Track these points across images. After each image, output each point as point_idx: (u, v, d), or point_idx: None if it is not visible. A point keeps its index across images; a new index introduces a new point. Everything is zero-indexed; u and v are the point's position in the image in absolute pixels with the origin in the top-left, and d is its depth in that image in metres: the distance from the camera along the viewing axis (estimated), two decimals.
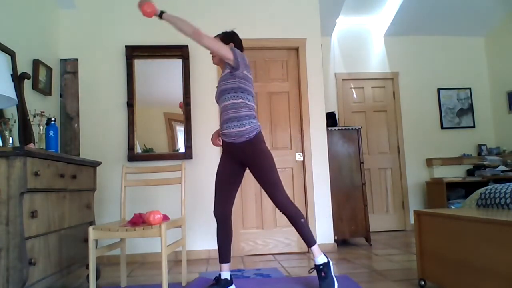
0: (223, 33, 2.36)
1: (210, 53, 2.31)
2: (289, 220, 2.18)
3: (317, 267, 2.16)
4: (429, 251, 2.12)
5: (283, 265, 3.03)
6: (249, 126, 2.16)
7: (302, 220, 2.17)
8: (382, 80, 5.09)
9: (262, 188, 2.21)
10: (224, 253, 2.23)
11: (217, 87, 2.30)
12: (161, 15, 2.12)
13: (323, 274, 2.13)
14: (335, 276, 2.39)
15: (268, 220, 3.60)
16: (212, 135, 2.44)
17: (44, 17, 3.26)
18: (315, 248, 2.18)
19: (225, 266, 2.23)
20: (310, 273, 2.26)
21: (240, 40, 2.38)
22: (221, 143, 2.34)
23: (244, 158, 2.20)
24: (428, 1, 4.59)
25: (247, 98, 2.20)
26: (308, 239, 2.18)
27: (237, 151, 2.20)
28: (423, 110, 5.08)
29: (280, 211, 2.17)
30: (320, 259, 2.16)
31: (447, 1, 4.63)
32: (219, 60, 2.29)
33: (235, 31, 2.40)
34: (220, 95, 2.22)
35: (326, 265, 2.16)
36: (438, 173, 4.94)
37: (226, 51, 2.12)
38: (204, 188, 3.52)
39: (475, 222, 1.75)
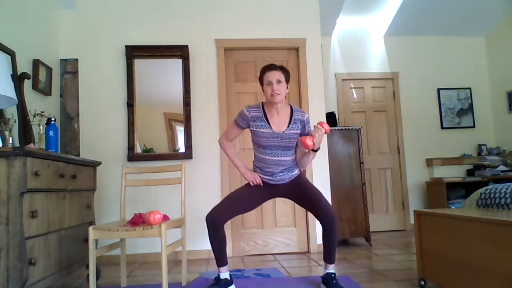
0: (284, 71, 2.24)
1: (275, 89, 2.16)
2: (332, 231, 2.20)
3: (329, 274, 2.23)
4: (429, 251, 2.12)
5: (283, 265, 3.03)
6: (297, 169, 2.35)
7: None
8: (382, 80, 5.09)
9: (312, 211, 2.26)
10: (220, 258, 2.21)
11: (273, 134, 2.22)
12: (315, 149, 2.18)
13: (334, 281, 2.19)
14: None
15: (268, 220, 3.60)
16: (247, 174, 2.33)
17: (44, 17, 3.26)
18: (333, 265, 2.29)
19: (224, 268, 2.23)
20: (325, 280, 2.26)
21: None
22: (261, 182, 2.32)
23: (291, 191, 2.32)
24: (428, 1, 4.59)
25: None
26: (334, 255, 2.27)
27: (283, 188, 2.32)
28: (423, 110, 5.08)
29: (331, 223, 2.18)
30: (333, 268, 2.28)
31: (447, 1, 4.63)
32: (283, 98, 2.21)
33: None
34: (285, 149, 2.25)
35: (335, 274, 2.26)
36: (438, 173, 4.94)
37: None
38: (204, 188, 3.51)
39: (475, 222, 1.75)
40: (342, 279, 2.44)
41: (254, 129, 2.25)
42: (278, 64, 2.27)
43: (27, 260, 1.75)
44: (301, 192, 2.29)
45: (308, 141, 2.09)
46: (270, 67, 2.22)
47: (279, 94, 2.16)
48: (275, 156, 2.24)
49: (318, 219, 2.23)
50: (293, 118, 2.25)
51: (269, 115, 2.25)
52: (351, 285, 2.31)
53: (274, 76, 2.18)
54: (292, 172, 2.31)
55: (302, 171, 2.40)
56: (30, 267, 1.77)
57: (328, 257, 2.25)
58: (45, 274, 1.93)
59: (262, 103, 2.30)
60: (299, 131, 2.26)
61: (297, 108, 2.32)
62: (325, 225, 2.19)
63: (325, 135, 3.04)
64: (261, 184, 2.31)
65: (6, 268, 1.68)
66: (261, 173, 2.31)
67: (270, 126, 2.23)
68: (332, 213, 2.17)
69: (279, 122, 2.24)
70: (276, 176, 2.27)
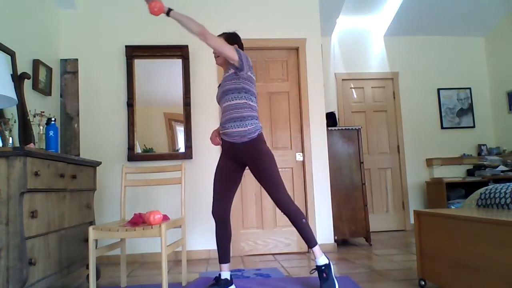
0: (225, 33, 2.36)
1: (214, 53, 2.31)
2: (290, 220, 2.18)
3: (318, 268, 2.16)
4: (429, 251, 2.12)
5: (283, 265, 3.03)
6: (252, 127, 2.17)
7: (304, 220, 2.17)
8: (382, 80, 5.09)
9: (263, 188, 2.21)
10: (223, 254, 2.23)
11: (219, 87, 2.30)
12: (168, 12, 2.11)
13: (324, 275, 2.13)
14: (336, 277, 2.40)
15: (268, 220, 3.60)
16: (212, 134, 2.40)
17: (44, 17, 3.26)
18: (316, 249, 2.18)
19: (225, 266, 2.23)
20: (311, 273, 2.26)
21: (242, 42, 2.40)
22: (221, 142, 2.33)
23: (245, 158, 2.21)
24: (428, 1, 4.59)
25: (250, 98, 2.22)
26: (310, 239, 2.18)
27: (238, 151, 2.21)
28: (423, 110, 5.08)
29: (282, 211, 2.17)
30: (322, 260, 2.16)
31: (447, 1, 4.63)
32: (222, 61, 2.29)
33: (237, 32, 2.41)
34: (223, 95, 2.23)
35: (327, 266, 2.16)
36: (438, 173, 4.94)
37: (231, 52, 2.14)
38: (204, 188, 3.51)
39: (475, 222, 1.75)
40: (342, 279, 2.44)
41: None
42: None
43: (27, 260, 1.75)
44: (256, 170, 2.19)
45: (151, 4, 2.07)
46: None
47: (217, 57, 2.29)
48: (221, 104, 2.25)
49: None
50: (228, 67, 2.26)
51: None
52: (351, 285, 2.31)
53: None
54: (242, 125, 2.15)
55: (257, 139, 2.19)
56: (30, 267, 1.77)
57: (307, 242, 2.19)
58: (45, 274, 1.93)
59: None
60: (232, 71, 2.20)
61: None
62: (281, 210, 2.18)
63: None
64: (220, 143, 2.31)
65: (6, 268, 1.68)
66: (220, 131, 2.29)
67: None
68: (281, 202, 2.13)
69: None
70: (227, 128, 2.19)
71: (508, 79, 4.93)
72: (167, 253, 2.10)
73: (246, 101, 2.19)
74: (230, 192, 2.26)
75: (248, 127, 2.16)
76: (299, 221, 2.15)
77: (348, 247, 3.76)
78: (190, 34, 3.69)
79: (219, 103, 2.30)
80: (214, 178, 2.28)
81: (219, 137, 2.36)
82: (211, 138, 2.38)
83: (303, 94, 3.69)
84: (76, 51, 3.54)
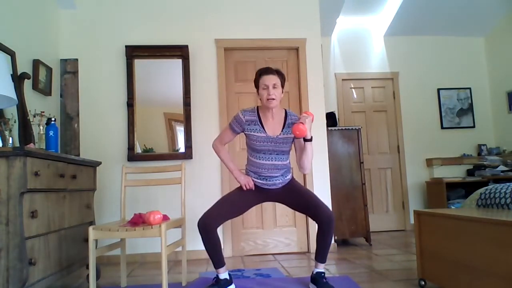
0: (280, 74, 2.24)
1: (271, 94, 2.17)
2: (330, 230, 2.18)
3: (319, 274, 2.24)
4: (429, 251, 2.12)
5: (283, 265, 3.03)
6: (290, 174, 2.38)
7: None
8: (382, 80, 5.09)
9: (308, 211, 2.24)
10: (216, 261, 2.19)
11: (267, 138, 2.23)
12: (307, 139, 2.16)
13: (324, 280, 2.20)
14: (334, 277, 2.46)
15: (268, 220, 3.60)
16: (244, 178, 2.30)
17: (44, 17, 3.26)
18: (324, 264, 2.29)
19: (222, 269, 2.21)
20: (314, 279, 2.27)
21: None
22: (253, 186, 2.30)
23: (281, 196, 2.33)
24: (428, 1, 4.59)
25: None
26: (327, 255, 2.26)
27: (275, 192, 2.32)
28: (423, 110, 5.08)
29: (330, 219, 2.15)
30: (323, 267, 2.28)
31: (447, 1, 4.63)
32: (278, 103, 2.21)
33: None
34: (279, 153, 2.25)
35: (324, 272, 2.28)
36: (438, 173, 4.94)
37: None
38: (204, 188, 3.51)
39: (475, 222, 1.75)
40: (342, 279, 2.44)
41: (249, 133, 2.25)
42: (274, 67, 2.26)
43: (27, 260, 1.75)
44: (295, 195, 2.29)
45: (301, 126, 2.05)
46: (267, 71, 2.21)
47: (274, 99, 2.16)
48: (269, 160, 2.24)
49: (315, 221, 2.20)
50: (287, 122, 2.26)
51: (263, 119, 2.25)
52: (351, 285, 2.31)
53: (271, 80, 2.18)
54: (286, 177, 2.32)
55: (293, 178, 2.40)
56: (30, 267, 1.77)
57: (321, 257, 2.24)
58: (45, 274, 1.93)
59: (257, 107, 2.30)
60: (292, 136, 2.24)
61: (291, 112, 2.32)
62: (323, 226, 2.18)
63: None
64: (253, 189, 2.30)
65: (6, 268, 1.68)
66: (254, 177, 2.30)
67: (265, 130, 2.23)
68: (331, 214, 2.17)
69: (273, 126, 2.25)
70: (269, 180, 2.27)
71: (508, 79, 4.93)
72: (167, 253, 2.10)
73: (289, 161, 2.34)
74: (235, 216, 2.30)
75: (289, 176, 2.35)
76: (332, 235, 2.23)
77: (348, 247, 3.76)
78: (191, 34, 3.72)
79: (259, 151, 2.23)
80: (230, 197, 2.28)
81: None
82: (245, 183, 2.28)
83: (303, 94, 3.69)
84: (76, 51, 3.54)
